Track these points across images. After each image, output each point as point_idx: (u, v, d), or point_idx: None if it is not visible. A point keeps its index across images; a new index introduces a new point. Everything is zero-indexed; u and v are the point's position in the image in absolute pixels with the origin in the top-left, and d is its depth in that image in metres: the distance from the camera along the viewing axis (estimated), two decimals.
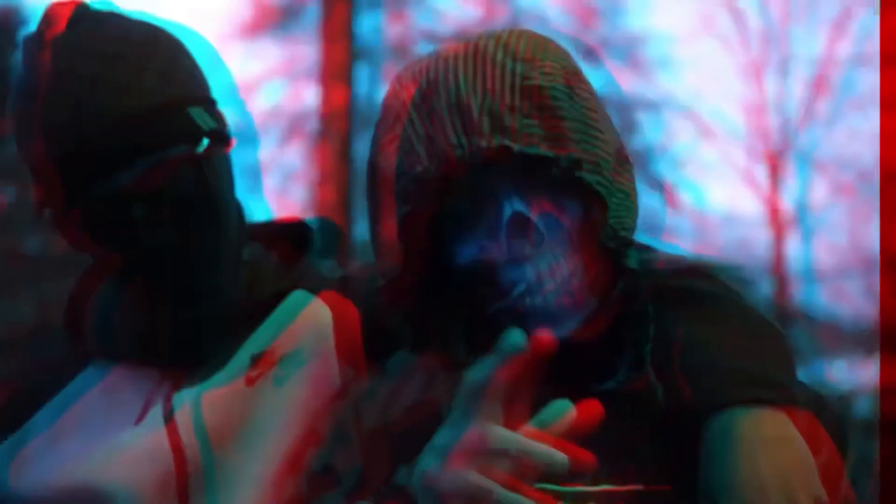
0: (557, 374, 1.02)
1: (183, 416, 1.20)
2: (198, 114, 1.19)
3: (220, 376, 1.22)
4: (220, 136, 1.22)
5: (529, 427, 0.91)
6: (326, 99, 8.74)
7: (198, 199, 1.18)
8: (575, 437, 0.91)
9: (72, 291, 1.28)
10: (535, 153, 1.00)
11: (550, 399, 0.93)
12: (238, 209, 1.27)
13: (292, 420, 1.20)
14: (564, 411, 0.91)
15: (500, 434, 0.90)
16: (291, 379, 1.22)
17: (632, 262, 1.03)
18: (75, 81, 1.15)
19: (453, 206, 1.03)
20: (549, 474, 0.91)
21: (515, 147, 1.00)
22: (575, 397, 1.02)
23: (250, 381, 1.22)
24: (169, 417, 1.20)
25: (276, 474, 1.18)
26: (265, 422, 1.21)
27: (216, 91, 1.25)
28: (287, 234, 1.33)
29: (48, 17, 1.17)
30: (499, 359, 0.91)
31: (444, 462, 0.91)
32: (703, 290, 1.11)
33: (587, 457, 0.90)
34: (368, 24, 9.21)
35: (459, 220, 1.04)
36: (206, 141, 1.18)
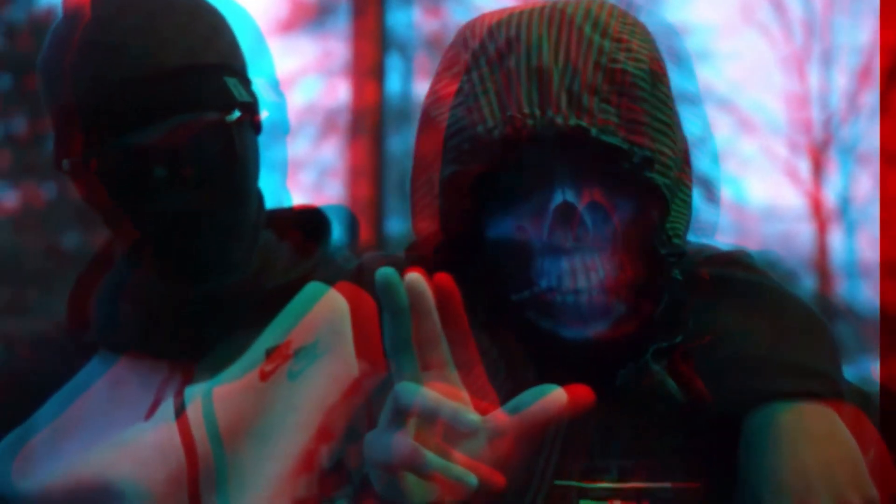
0: (568, 367, 0.96)
1: (194, 411, 1.15)
2: (233, 84, 1.16)
3: (233, 370, 1.17)
4: (252, 113, 1.18)
5: (500, 410, 0.84)
6: (359, 95, 8.72)
7: (220, 169, 1.14)
8: (560, 421, 0.84)
9: (76, 281, 1.23)
10: (613, 142, 0.93)
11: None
12: (259, 195, 1.23)
13: (306, 416, 1.14)
14: (545, 394, 0.84)
15: (408, 389, 0.83)
16: (306, 373, 1.17)
17: (677, 272, 0.96)
18: (115, 29, 1.12)
19: (502, 175, 0.96)
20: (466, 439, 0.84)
21: (593, 131, 0.93)
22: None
23: (264, 376, 1.17)
24: (180, 413, 1.15)
25: (288, 473, 1.12)
26: (278, 418, 1.15)
27: (258, 73, 1.23)
28: (301, 223, 1.28)
29: None
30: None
31: (379, 430, 0.85)
32: (740, 278, 1.04)
33: (499, 417, 0.82)
34: (401, 20, 9.18)
35: (504, 190, 0.96)
36: (237, 112, 1.15)
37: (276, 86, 1.26)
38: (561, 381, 0.97)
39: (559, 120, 0.92)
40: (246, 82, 1.19)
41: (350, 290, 1.22)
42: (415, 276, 0.83)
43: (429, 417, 0.82)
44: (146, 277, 1.18)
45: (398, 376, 0.84)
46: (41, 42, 1.15)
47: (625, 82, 0.95)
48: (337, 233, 1.28)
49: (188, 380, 1.18)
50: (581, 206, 0.94)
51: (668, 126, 0.97)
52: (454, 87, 0.97)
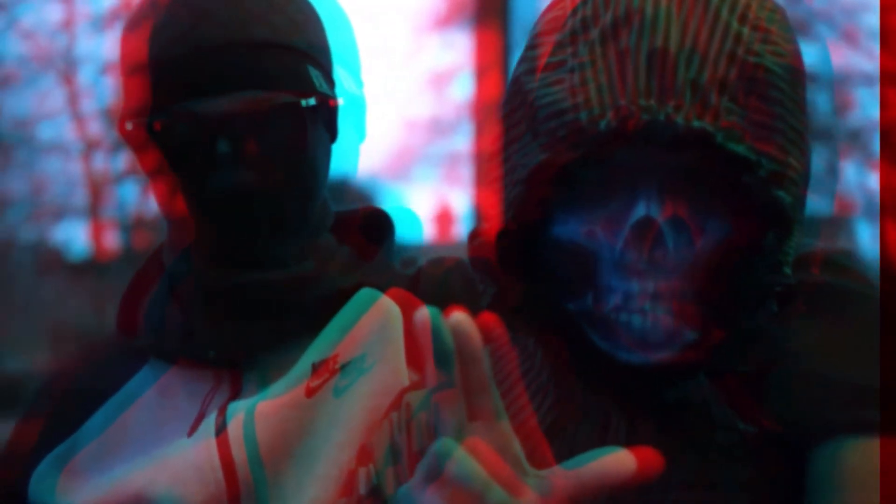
0: (619, 386, 0.86)
1: (235, 429, 1.09)
2: (315, 75, 1.11)
3: (278, 386, 1.11)
4: (330, 110, 1.13)
5: (559, 469, 0.73)
6: (485, 89, 8.64)
7: (286, 153, 1.09)
8: (623, 488, 0.72)
9: (126, 288, 1.20)
10: (738, 151, 0.79)
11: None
12: (325, 199, 1.17)
13: (351, 435, 1.07)
14: (609, 455, 0.72)
15: (447, 450, 0.72)
16: (352, 389, 1.10)
17: (774, 304, 0.83)
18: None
19: (586, 169, 0.82)
20: None
21: (718, 137, 0.78)
22: (621, 410, 0.86)
23: (310, 392, 1.10)
24: (221, 430, 1.10)
25: (331, 496, 1.05)
26: (322, 437, 1.08)
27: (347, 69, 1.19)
28: (363, 226, 1.22)
29: None
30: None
31: (414, 484, 0.75)
32: (831, 285, 0.88)
33: None
34: (528, 9, 9.06)
35: (583, 185, 0.83)
36: (314, 100, 1.10)
37: (360, 87, 1.21)
38: (609, 398, 0.87)
39: (680, 120, 0.78)
40: (329, 81, 1.14)
41: (403, 297, 1.14)
42: (459, 318, 0.73)
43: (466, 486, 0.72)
44: (195, 275, 1.14)
45: (441, 428, 0.74)
46: None
47: (757, 78, 0.80)
48: (399, 236, 1.22)
49: (236, 391, 1.12)
50: (662, 220, 0.80)
51: (800, 135, 0.82)
52: (555, 57, 0.83)
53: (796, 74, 0.83)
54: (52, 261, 8.92)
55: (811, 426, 0.81)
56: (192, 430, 1.11)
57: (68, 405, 1.17)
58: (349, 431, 1.07)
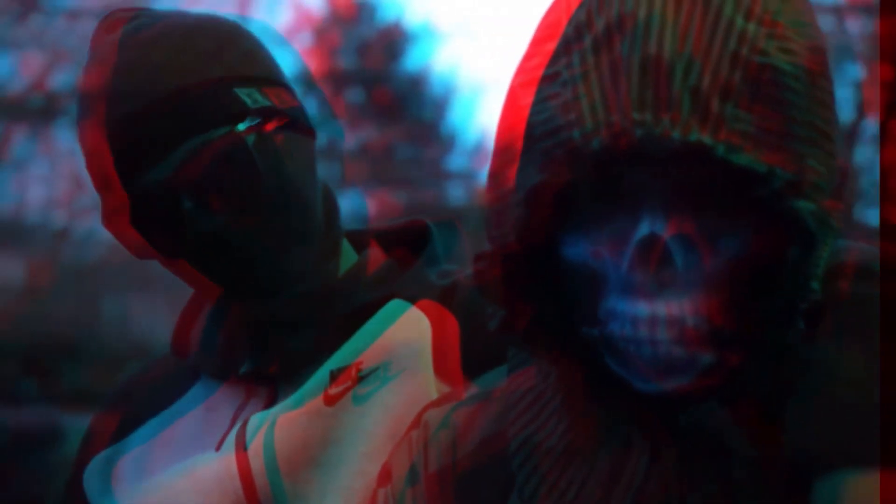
0: (635, 411, 0.81)
1: (256, 440, 1.09)
2: (247, 93, 1.10)
3: (299, 394, 1.10)
4: (278, 117, 1.11)
5: None
6: None
7: (246, 184, 1.08)
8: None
9: (181, 312, 1.23)
10: (747, 165, 0.72)
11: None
12: (316, 200, 1.15)
13: (373, 446, 1.05)
14: None
15: None
16: (374, 397, 1.08)
17: (801, 321, 0.76)
18: (116, 72, 1.10)
19: (588, 187, 0.78)
20: None
21: (720, 150, 0.72)
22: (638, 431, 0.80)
23: (330, 400, 1.09)
24: (242, 441, 1.10)
25: None
26: (343, 447, 1.07)
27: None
28: (406, 238, 1.20)
29: (109, 22, 1.14)
30: None
31: None
32: (864, 298, 0.79)
33: None
34: None
35: (586, 204, 0.79)
36: (248, 120, 1.08)
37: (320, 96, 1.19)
38: (629, 424, 0.82)
39: (676, 134, 0.72)
40: (273, 87, 1.12)
41: (432, 308, 1.12)
42: None
43: None
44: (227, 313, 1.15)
45: None
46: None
47: (764, 80, 0.73)
48: (439, 248, 1.20)
49: (270, 404, 1.12)
50: (668, 237, 0.75)
51: (824, 136, 0.75)
52: (550, 69, 0.78)
53: (812, 71, 0.75)
54: None
55: (819, 455, 0.74)
56: (220, 442, 1.12)
57: (127, 417, 1.20)
58: (373, 441, 1.06)
